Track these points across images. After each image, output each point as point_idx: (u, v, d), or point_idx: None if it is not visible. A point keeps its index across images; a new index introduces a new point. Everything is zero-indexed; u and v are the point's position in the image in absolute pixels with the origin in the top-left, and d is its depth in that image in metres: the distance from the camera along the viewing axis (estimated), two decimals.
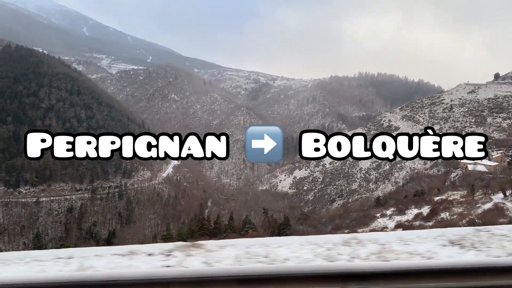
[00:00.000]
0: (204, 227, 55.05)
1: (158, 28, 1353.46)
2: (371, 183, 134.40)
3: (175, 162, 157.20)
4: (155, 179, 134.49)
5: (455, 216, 51.37)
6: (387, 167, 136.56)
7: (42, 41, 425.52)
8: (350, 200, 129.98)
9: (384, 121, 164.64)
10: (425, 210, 58.06)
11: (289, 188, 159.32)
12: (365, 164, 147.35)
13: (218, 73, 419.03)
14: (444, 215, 54.04)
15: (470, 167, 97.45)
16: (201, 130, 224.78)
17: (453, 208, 56.39)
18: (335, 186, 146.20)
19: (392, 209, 64.42)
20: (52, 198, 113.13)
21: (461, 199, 61.27)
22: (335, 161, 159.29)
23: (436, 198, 64.79)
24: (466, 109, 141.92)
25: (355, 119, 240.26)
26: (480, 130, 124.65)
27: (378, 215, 61.43)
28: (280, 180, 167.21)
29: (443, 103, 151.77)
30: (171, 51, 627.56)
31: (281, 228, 54.04)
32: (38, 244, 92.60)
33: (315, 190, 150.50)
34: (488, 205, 53.52)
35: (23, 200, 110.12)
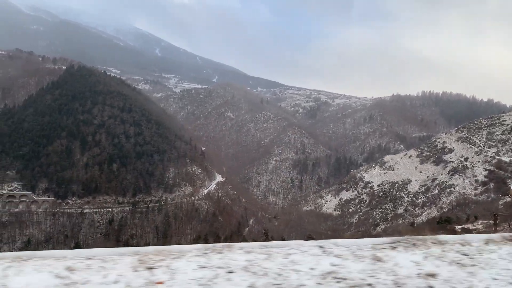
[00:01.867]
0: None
1: (226, 49, 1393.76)
2: (417, 208, 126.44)
3: (220, 178, 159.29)
4: (196, 194, 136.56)
5: None
6: (436, 191, 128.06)
7: (117, 62, 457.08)
8: (393, 224, 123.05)
9: (438, 142, 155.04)
10: None
11: (334, 210, 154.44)
12: (413, 188, 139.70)
13: (280, 92, 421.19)
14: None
15: None
16: (252, 147, 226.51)
17: None
18: (381, 210, 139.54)
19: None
20: (95, 210, 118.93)
21: (483, 229, 55.61)
22: (384, 183, 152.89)
23: (458, 227, 59.35)
24: None
25: (414, 139, 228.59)
26: None
27: None
28: (326, 201, 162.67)
29: (503, 125, 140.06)
30: (237, 71, 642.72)
31: None
32: None
33: (360, 213, 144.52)
34: None
35: (68, 210, 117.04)
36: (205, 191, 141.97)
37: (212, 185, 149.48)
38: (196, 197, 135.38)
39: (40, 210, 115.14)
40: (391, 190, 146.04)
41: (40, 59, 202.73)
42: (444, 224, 64.46)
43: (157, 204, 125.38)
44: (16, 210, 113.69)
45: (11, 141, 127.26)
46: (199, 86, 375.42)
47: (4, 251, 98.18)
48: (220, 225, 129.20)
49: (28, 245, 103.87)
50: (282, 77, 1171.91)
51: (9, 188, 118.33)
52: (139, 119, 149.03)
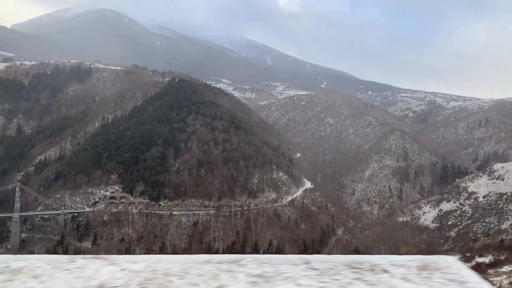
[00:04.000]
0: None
1: (336, 54, 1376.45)
2: None
3: (308, 185, 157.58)
4: (280, 201, 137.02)
5: None
6: None
7: (229, 73, 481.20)
8: (493, 241, 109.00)
9: None
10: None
11: (432, 222, 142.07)
12: None
13: (391, 95, 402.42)
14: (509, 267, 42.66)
15: None
16: (351, 154, 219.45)
17: None
18: (483, 224, 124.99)
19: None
20: (183, 212, 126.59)
21: None
22: (491, 194, 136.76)
23: None
24: None
25: None
26: None
27: None
28: (424, 212, 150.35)
29: None
30: (347, 75, 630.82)
31: None
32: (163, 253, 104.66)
33: (460, 226, 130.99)
34: None
35: (160, 212, 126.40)
36: (289, 198, 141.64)
37: (299, 192, 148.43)
38: (279, 203, 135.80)
39: (135, 211, 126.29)
40: (498, 202, 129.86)
41: (151, 73, 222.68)
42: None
43: (240, 208, 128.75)
44: (116, 210, 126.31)
45: (116, 147, 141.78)
46: (304, 93, 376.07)
47: (104, 248, 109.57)
48: (302, 232, 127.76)
49: (122, 243, 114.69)
50: (396, 80, 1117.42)
51: (111, 190, 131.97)
52: (228, 126, 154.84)
